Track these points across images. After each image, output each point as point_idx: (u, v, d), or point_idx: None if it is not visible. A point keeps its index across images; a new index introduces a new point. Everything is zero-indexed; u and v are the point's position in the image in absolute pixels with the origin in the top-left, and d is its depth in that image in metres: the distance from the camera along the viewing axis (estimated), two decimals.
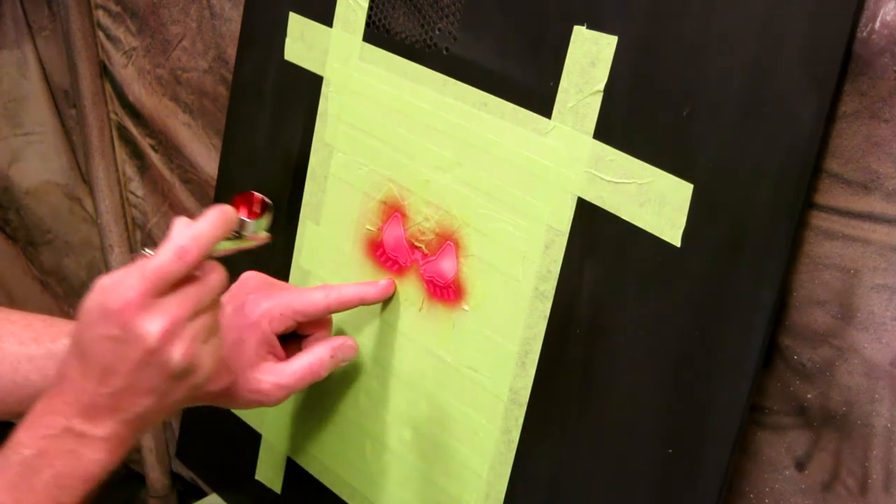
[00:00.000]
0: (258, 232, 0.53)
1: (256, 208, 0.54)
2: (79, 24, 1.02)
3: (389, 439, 0.72)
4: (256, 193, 0.53)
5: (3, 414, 0.60)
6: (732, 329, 0.53)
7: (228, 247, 0.50)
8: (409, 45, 0.66)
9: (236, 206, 0.53)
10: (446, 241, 0.66)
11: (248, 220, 0.53)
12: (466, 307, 0.65)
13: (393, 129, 0.68)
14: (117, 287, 0.48)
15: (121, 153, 1.10)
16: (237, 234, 0.51)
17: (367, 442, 0.74)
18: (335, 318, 0.74)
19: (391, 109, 0.68)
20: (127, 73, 1.02)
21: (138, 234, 1.13)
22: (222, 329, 0.54)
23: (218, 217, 0.50)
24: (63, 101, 1.11)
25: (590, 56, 0.56)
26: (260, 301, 0.63)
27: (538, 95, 0.59)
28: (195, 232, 0.49)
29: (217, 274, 0.51)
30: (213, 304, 0.51)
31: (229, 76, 0.85)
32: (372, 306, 0.71)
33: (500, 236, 0.62)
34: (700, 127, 0.52)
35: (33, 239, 1.17)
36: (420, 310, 0.68)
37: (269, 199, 0.70)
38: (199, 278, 0.50)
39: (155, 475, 1.26)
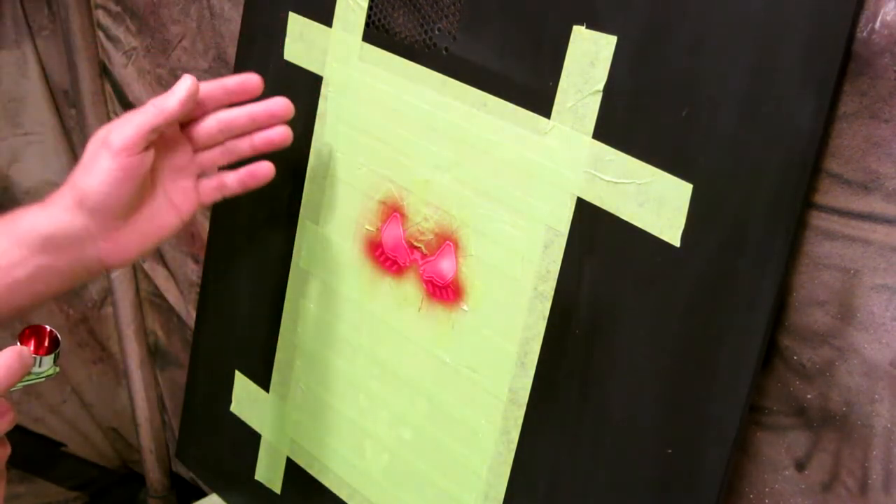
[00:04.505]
0: (49, 367, 0.54)
1: (47, 343, 0.54)
2: (79, 23, 1.02)
3: (389, 439, 0.72)
4: (46, 327, 0.54)
5: None
6: (732, 329, 0.53)
7: (18, 385, 0.51)
8: (408, 45, 0.66)
9: (26, 339, 0.53)
10: (445, 242, 0.66)
11: (41, 357, 0.53)
12: (465, 307, 0.65)
13: (392, 129, 0.68)
14: None
15: None
16: (29, 372, 0.52)
17: (367, 442, 0.74)
18: (333, 321, 0.74)
19: (390, 109, 0.68)
20: (127, 73, 1.02)
21: None
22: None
23: (15, 361, 0.49)
24: (63, 101, 1.11)
25: (589, 56, 0.56)
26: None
27: (537, 95, 0.59)
28: None
29: (7, 415, 0.50)
30: (1, 444, 0.51)
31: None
32: (371, 306, 0.71)
33: (500, 236, 0.62)
34: (699, 127, 0.52)
35: None
36: (419, 310, 0.68)
37: (268, 195, 0.70)
38: None
39: (155, 475, 1.26)
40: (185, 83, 0.60)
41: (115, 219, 0.62)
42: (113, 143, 0.59)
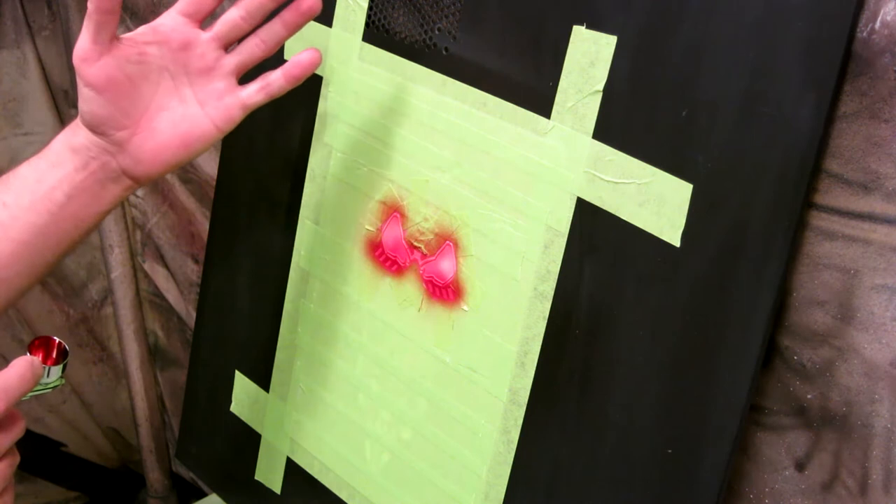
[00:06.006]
0: (57, 378, 0.55)
1: (56, 354, 0.55)
2: (79, 24, 1.02)
3: (389, 439, 0.72)
4: (55, 338, 0.55)
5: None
6: (732, 329, 0.53)
7: (27, 395, 0.52)
8: (408, 45, 0.66)
9: (36, 349, 0.54)
10: (445, 241, 0.66)
11: (50, 367, 0.55)
12: (466, 307, 0.65)
13: (392, 129, 0.68)
14: None
15: None
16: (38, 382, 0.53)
17: (367, 442, 0.74)
18: (333, 321, 0.74)
19: (390, 109, 0.68)
20: None
21: (138, 234, 1.13)
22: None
23: (27, 371, 0.50)
24: (63, 101, 1.11)
25: (589, 56, 0.56)
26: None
27: (537, 95, 0.59)
28: (4, 385, 0.49)
29: (18, 424, 0.51)
30: (11, 453, 0.51)
31: None
32: (371, 306, 0.71)
33: (500, 236, 0.62)
34: (699, 127, 0.52)
35: None
36: (419, 310, 0.68)
37: (268, 194, 0.70)
38: (1, 428, 0.50)
39: (155, 475, 1.26)
40: None
41: (119, 131, 0.59)
42: (74, 60, 0.57)
